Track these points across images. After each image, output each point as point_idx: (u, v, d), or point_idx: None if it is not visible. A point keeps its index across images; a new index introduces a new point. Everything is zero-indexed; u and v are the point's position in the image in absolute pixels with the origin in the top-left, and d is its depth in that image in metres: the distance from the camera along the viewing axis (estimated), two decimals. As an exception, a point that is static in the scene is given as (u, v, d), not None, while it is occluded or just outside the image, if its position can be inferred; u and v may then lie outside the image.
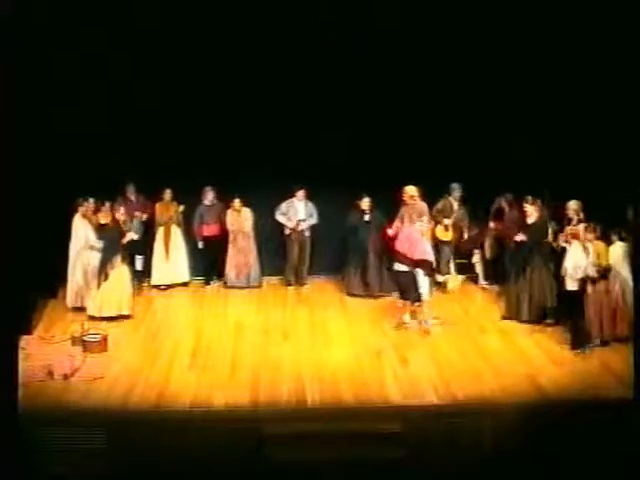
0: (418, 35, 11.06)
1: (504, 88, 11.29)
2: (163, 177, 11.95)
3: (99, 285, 10.71)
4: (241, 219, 12.13)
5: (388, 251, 11.00)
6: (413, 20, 10.94)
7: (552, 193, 10.48)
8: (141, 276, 12.21)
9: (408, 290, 10.18)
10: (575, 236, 9.50)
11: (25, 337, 9.72)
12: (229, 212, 12.15)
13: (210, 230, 12.27)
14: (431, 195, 11.72)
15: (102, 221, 10.97)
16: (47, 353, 9.35)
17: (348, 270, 11.77)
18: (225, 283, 12.31)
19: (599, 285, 9.38)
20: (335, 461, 7.69)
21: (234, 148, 11.87)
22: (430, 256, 10.21)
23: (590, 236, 9.41)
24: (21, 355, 8.52)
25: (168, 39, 10.99)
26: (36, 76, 9.96)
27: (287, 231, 12.11)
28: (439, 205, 11.83)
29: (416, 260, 10.07)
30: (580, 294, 9.35)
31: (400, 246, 10.23)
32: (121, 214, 11.04)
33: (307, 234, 12.13)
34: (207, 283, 12.46)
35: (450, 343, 9.83)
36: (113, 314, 10.58)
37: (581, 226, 9.68)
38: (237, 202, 12.05)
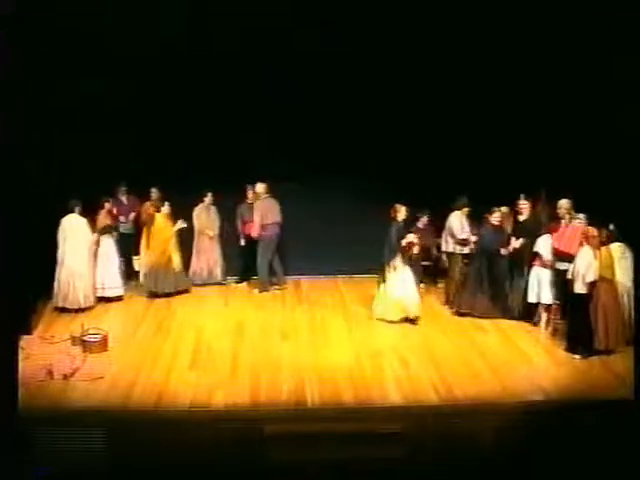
0: (419, 35, 11.10)
1: (501, 88, 11.35)
2: (159, 177, 11.95)
3: (378, 286, 10.53)
4: (212, 218, 12.07)
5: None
6: (407, 19, 10.97)
7: (548, 192, 10.46)
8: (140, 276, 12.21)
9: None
10: (587, 238, 9.25)
11: (25, 337, 9.71)
12: (198, 209, 12.07)
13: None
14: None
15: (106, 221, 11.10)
16: (47, 353, 9.35)
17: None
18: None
19: (604, 289, 9.18)
20: (335, 461, 7.69)
21: (233, 147, 11.89)
22: None
23: (596, 240, 9.19)
24: (21, 355, 8.52)
25: (166, 38, 11.02)
26: (34, 77, 9.96)
27: (454, 249, 11.24)
28: None
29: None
30: (586, 298, 9.15)
31: (563, 245, 9.78)
32: None
33: (466, 250, 11.21)
34: (240, 282, 12.34)
35: (450, 343, 9.84)
36: (413, 317, 10.41)
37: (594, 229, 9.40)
38: (208, 199, 12.00)
